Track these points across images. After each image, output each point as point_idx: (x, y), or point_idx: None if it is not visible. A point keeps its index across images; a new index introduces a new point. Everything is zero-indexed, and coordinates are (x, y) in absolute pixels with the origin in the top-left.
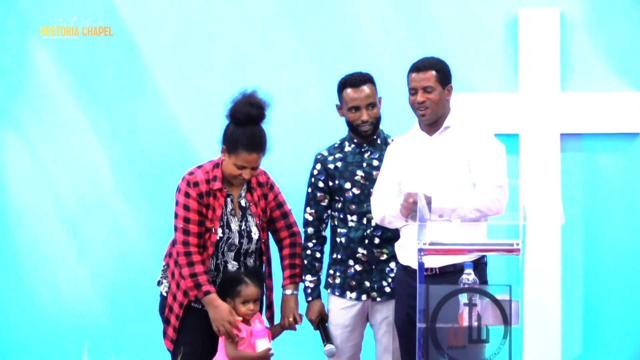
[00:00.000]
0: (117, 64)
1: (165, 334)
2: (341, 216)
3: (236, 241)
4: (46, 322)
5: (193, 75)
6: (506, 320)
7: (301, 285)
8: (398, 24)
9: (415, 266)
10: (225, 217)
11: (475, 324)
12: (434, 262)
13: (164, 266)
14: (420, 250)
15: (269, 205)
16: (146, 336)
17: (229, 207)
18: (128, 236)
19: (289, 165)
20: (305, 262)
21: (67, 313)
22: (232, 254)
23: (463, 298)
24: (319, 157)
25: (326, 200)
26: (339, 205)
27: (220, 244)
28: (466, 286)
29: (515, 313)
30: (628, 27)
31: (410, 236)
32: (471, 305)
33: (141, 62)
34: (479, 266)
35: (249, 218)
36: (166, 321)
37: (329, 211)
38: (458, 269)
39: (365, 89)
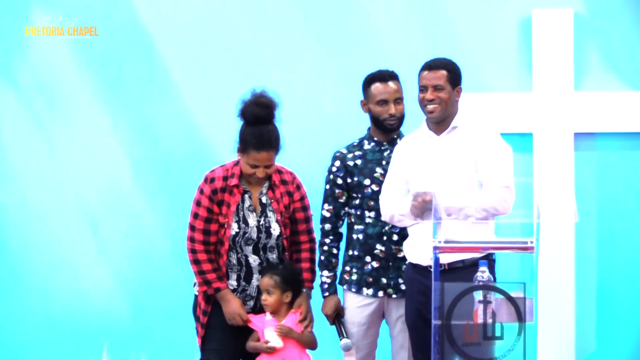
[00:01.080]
0: (137, 63)
1: (197, 331)
2: (358, 213)
3: (254, 236)
4: (66, 319)
5: (212, 74)
6: (520, 317)
7: (317, 281)
8: (413, 24)
9: (424, 263)
10: (242, 212)
11: (489, 321)
12: (443, 258)
13: None
14: (435, 248)
15: (293, 204)
16: (166, 333)
17: (247, 203)
18: (148, 234)
19: (305, 164)
20: (322, 257)
21: (87, 310)
22: (250, 247)
23: (478, 295)
24: (337, 154)
25: (344, 197)
26: (357, 202)
27: (237, 238)
28: (481, 283)
29: (530, 310)
30: None
31: (419, 234)
32: (486, 302)
33: (160, 61)
34: (488, 262)
35: (270, 214)
36: (196, 319)
37: (346, 208)
38: (467, 265)
39: (392, 84)
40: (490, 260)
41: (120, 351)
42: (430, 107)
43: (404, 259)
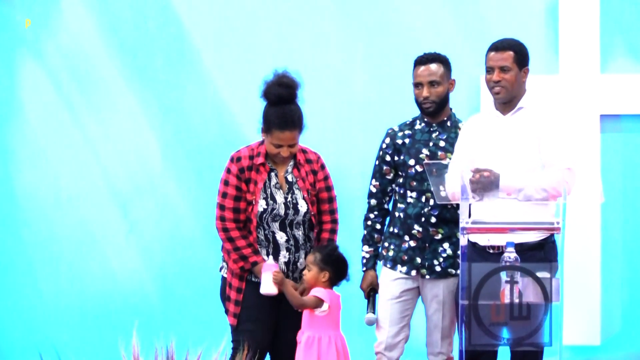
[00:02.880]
0: (167, 46)
1: (227, 310)
2: (401, 191)
3: (282, 212)
4: (97, 300)
5: (241, 57)
6: (547, 297)
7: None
8: (441, 6)
9: (482, 243)
10: (269, 189)
11: (516, 301)
12: (497, 240)
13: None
14: (463, 229)
15: (317, 183)
16: (195, 314)
17: (274, 180)
18: (177, 215)
19: (333, 146)
20: (365, 232)
21: (118, 291)
22: (277, 224)
23: (504, 276)
24: (389, 131)
25: (391, 174)
26: (401, 181)
27: (264, 215)
28: (508, 264)
29: (556, 290)
30: None
31: (480, 214)
32: (512, 282)
33: (190, 44)
34: (547, 245)
35: (296, 192)
36: (227, 298)
37: (393, 185)
38: (525, 248)
39: (431, 67)
40: (549, 243)
41: (150, 329)
42: (496, 88)
43: (441, 241)
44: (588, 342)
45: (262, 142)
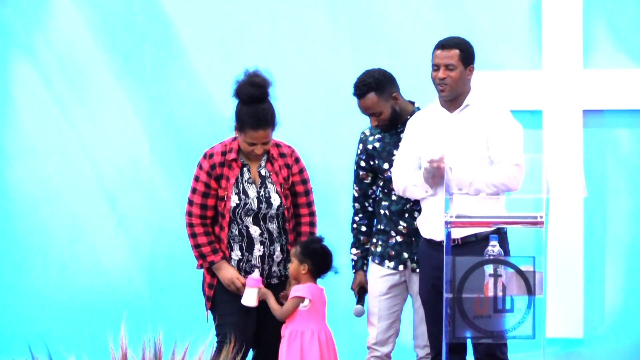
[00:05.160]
0: (155, 42)
1: (206, 305)
2: (385, 190)
3: (254, 206)
4: (86, 293)
5: (228, 53)
6: (530, 290)
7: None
8: (426, 4)
9: (437, 238)
10: (241, 185)
11: (500, 294)
12: (456, 233)
13: None
14: (447, 222)
15: (292, 177)
16: (183, 307)
17: (246, 176)
18: (165, 209)
19: (321, 142)
20: (352, 235)
21: (106, 284)
22: (250, 218)
23: (488, 269)
24: (362, 136)
25: (369, 178)
26: (381, 183)
27: (237, 210)
28: (491, 257)
29: (539, 284)
30: None
31: (432, 209)
32: (496, 276)
33: (178, 40)
34: (499, 235)
35: (269, 185)
36: (203, 292)
37: (374, 187)
38: (480, 239)
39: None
40: (501, 234)
41: (139, 322)
42: (441, 86)
43: None
44: (571, 335)
45: (235, 138)
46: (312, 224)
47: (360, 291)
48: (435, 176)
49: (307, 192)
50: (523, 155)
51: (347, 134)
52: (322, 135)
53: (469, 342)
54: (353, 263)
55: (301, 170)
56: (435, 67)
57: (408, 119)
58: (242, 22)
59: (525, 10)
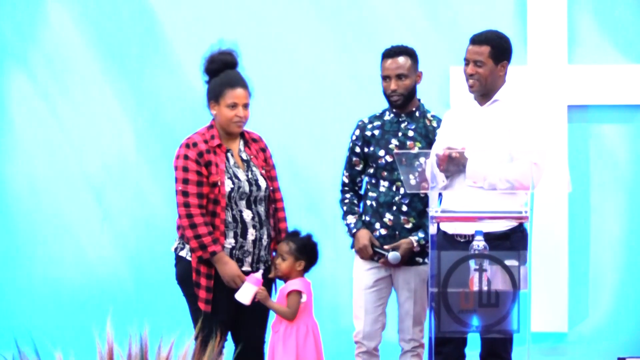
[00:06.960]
0: (141, 36)
1: (197, 297)
2: (373, 181)
3: (247, 189)
4: (72, 287)
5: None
6: (515, 285)
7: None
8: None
9: (451, 232)
10: (231, 169)
11: (485, 288)
12: (466, 229)
13: (180, 236)
14: (432, 217)
15: (268, 160)
16: (168, 301)
17: (232, 161)
18: (151, 203)
19: (307, 138)
20: (345, 208)
21: (92, 278)
22: (244, 202)
23: (473, 264)
24: (359, 123)
25: (360, 166)
26: (372, 171)
27: (232, 194)
28: (476, 252)
29: (524, 278)
30: (634, 1)
31: (450, 203)
32: (481, 270)
33: (164, 34)
34: (514, 234)
35: (254, 169)
36: (196, 285)
37: (363, 176)
38: (492, 237)
39: (399, 60)
40: (522, 231)
41: (124, 316)
42: (470, 81)
43: (411, 230)
44: (556, 329)
45: (210, 127)
46: (284, 210)
47: (373, 246)
48: (448, 164)
49: (277, 178)
50: (546, 154)
51: (332, 131)
52: (309, 133)
53: (471, 337)
54: (352, 225)
55: (271, 156)
56: (466, 62)
57: (413, 110)
58: (228, 19)
59: (510, 5)
